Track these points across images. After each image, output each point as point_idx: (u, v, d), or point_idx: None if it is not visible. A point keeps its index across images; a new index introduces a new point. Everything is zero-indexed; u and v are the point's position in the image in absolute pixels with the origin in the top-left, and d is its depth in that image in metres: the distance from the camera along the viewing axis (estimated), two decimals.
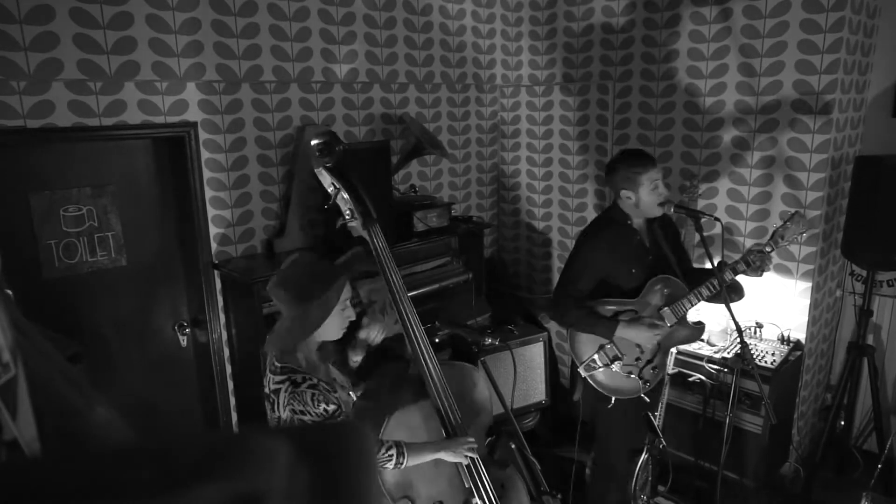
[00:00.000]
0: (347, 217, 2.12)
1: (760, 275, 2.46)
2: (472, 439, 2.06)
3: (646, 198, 2.47)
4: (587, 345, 2.57)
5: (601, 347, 2.55)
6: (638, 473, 2.97)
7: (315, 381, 1.80)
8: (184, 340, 2.96)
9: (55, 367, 0.78)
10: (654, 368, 2.59)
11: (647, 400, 2.63)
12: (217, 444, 0.34)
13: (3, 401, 0.61)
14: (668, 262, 2.58)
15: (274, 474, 0.31)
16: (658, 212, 2.50)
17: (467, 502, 2.10)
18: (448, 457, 2.00)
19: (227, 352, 2.95)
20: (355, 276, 2.04)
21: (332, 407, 1.81)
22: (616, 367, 2.54)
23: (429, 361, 2.07)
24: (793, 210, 2.64)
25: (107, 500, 0.30)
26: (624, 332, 2.48)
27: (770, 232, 2.48)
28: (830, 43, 2.88)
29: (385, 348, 2.24)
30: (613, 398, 2.60)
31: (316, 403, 1.76)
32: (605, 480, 2.82)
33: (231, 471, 0.30)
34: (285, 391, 1.76)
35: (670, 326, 2.53)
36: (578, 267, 2.56)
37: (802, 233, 2.43)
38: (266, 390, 1.85)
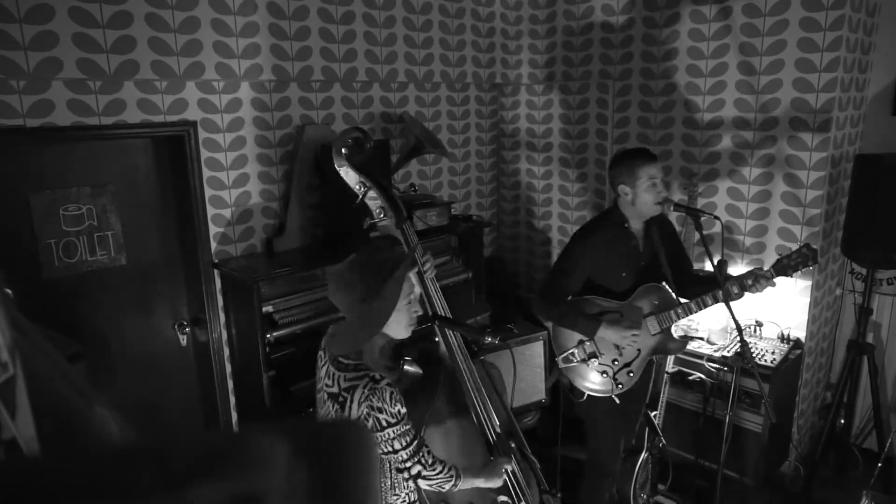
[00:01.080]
0: (379, 216, 2.02)
1: (757, 291, 2.44)
2: (508, 460, 2.02)
3: (642, 194, 2.43)
4: (569, 337, 2.61)
5: (580, 343, 2.57)
6: (638, 472, 2.98)
7: (390, 380, 1.75)
8: (184, 340, 2.96)
9: (55, 367, 0.78)
10: (629, 373, 2.59)
11: (617, 402, 2.59)
12: (215, 443, 0.33)
13: (2, 400, 0.61)
14: (661, 270, 2.57)
15: (273, 474, 0.31)
16: (655, 211, 2.47)
17: (494, 501, 2.10)
18: (489, 484, 1.95)
19: (227, 351, 2.95)
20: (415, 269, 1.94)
21: (404, 410, 1.76)
22: (593, 364, 2.57)
23: (464, 364, 1.99)
24: (802, 242, 2.58)
25: (105, 501, 0.30)
26: (604, 333, 2.48)
27: (776, 260, 2.46)
28: (830, 41, 2.88)
29: (420, 349, 2.18)
30: (586, 393, 2.63)
31: (393, 403, 1.71)
32: (596, 479, 2.82)
33: (229, 471, 0.30)
34: (363, 387, 1.71)
35: (653, 335, 2.54)
36: (570, 265, 2.55)
37: (809, 265, 2.41)
38: (333, 389, 1.77)
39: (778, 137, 3.11)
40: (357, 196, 2.03)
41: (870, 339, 3.35)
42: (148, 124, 2.59)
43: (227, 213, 2.91)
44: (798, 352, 3.19)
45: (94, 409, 0.75)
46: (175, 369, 2.97)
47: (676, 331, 3.25)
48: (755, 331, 3.28)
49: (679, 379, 3.19)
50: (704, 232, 2.55)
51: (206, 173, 2.80)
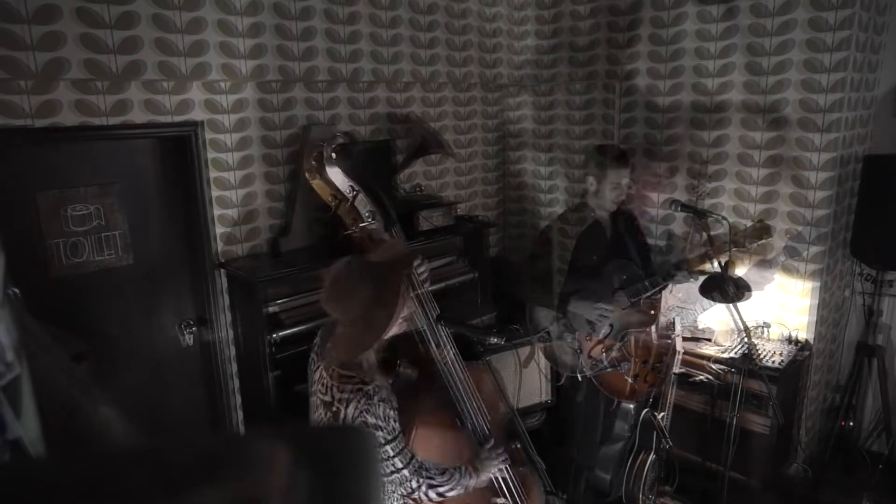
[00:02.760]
0: (368, 219, 2.04)
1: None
2: (501, 450, 2.01)
3: (605, 191, 2.69)
4: (544, 316, 2.76)
5: (556, 319, 2.71)
6: (647, 474, 2.97)
7: (384, 393, 1.75)
8: (189, 339, 2.97)
9: (60, 366, 0.78)
10: (604, 351, 2.71)
11: (580, 378, 2.72)
12: (216, 448, 0.33)
13: (7, 400, 0.61)
14: (629, 251, 2.77)
15: (273, 479, 0.30)
16: (612, 207, 2.72)
17: (491, 502, 2.09)
18: (483, 476, 1.96)
19: (232, 351, 2.96)
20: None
21: (399, 427, 1.77)
22: (568, 340, 2.70)
23: (454, 368, 2.00)
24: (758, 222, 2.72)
25: None
26: (573, 307, 2.66)
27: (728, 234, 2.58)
28: (839, 41, 2.86)
29: (405, 348, 2.19)
30: (565, 375, 2.79)
31: (387, 420, 1.73)
32: (575, 461, 2.94)
33: (230, 476, 0.30)
34: (357, 402, 1.71)
35: (623, 310, 2.64)
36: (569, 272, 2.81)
37: (762, 240, 2.59)
38: (326, 398, 1.77)
39: (786, 138, 3.09)
40: (347, 199, 2.05)
41: (878, 340, 3.33)
42: (154, 124, 2.59)
43: (232, 213, 2.91)
44: (805, 353, 3.16)
45: (98, 409, 0.75)
46: (180, 369, 2.97)
47: (684, 332, 3.23)
48: (762, 332, 3.26)
49: (685, 380, 3.17)
50: (711, 233, 2.53)
51: (212, 173, 2.81)
